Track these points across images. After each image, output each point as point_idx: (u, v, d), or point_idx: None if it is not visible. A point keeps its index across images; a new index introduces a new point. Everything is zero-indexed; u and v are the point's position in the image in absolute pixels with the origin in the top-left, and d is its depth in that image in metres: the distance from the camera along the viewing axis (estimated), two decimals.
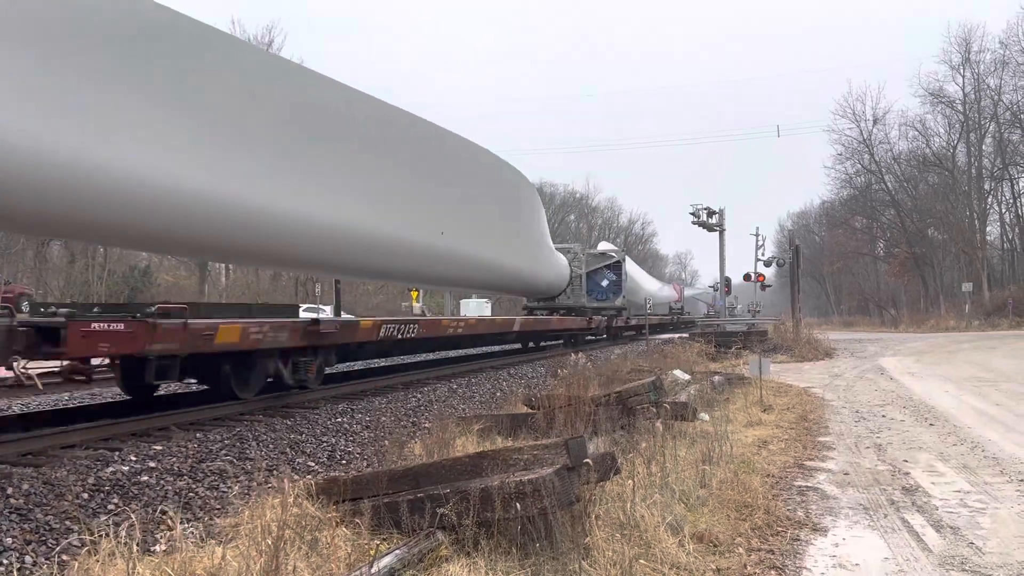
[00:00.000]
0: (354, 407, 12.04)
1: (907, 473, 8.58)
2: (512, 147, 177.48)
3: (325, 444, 9.91)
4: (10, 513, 6.07)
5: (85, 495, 6.73)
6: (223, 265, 56.15)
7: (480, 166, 19.52)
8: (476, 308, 50.17)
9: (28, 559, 5.53)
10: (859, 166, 72.55)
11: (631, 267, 42.00)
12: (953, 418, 12.57)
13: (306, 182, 12.06)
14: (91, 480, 7.02)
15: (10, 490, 6.45)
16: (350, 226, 13.32)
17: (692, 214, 41.74)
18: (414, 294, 45.54)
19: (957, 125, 66.56)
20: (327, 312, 35.40)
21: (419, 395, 14.01)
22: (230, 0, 65.10)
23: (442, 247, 16.43)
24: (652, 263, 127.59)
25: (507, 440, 9.64)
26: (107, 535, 5.28)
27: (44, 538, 5.85)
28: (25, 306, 10.91)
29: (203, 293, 48.22)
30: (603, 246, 41.83)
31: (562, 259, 29.51)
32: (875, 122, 68.97)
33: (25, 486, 6.59)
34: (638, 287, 46.95)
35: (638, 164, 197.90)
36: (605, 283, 32.48)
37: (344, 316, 25.91)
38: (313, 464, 9.11)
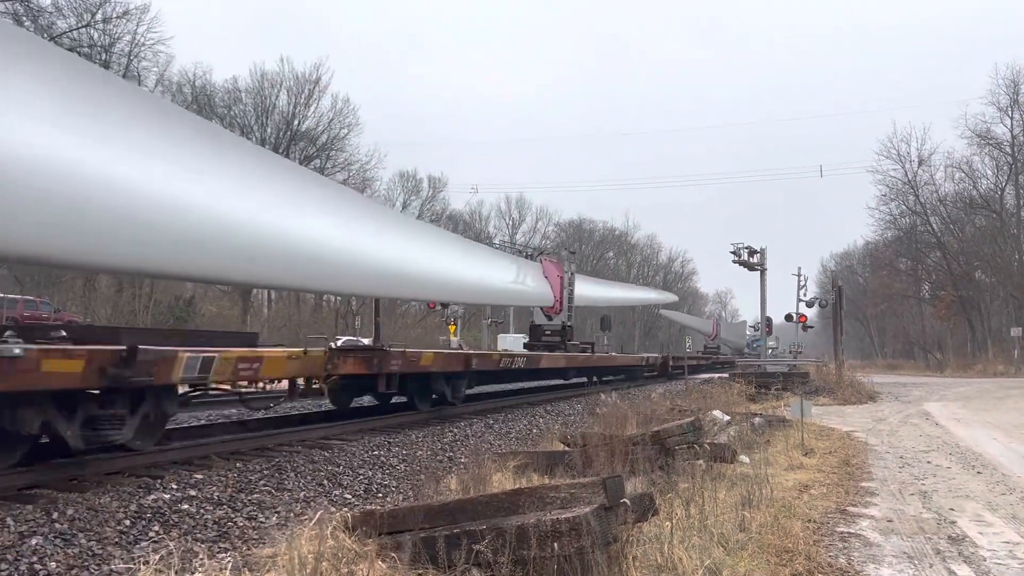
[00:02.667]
0: (391, 440, 12.08)
1: (953, 522, 8.37)
2: (552, 182, 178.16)
3: (362, 476, 9.94)
4: (55, 538, 6.18)
5: (127, 522, 6.83)
6: (265, 295, 56.97)
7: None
8: (513, 342, 50.12)
9: None
10: (904, 207, 71.72)
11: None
12: (1002, 466, 12.24)
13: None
14: (133, 507, 7.12)
15: (55, 515, 6.57)
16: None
17: (733, 253, 41.41)
18: (452, 328, 45.70)
19: (1005, 167, 65.57)
20: (366, 343, 35.73)
21: (455, 430, 14.02)
22: (280, 39, 66.64)
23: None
24: (692, 301, 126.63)
25: (543, 477, 9.59)
26: (147, 563, 5.36)
27: (87, 563, 5.94)
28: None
29: (245, 323, 48.86)
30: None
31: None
32: (920, 163, 68.27)
33: (70, 511, 6.70)
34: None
35: (678, 202, 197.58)
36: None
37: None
38: (349, 496, 9.14)
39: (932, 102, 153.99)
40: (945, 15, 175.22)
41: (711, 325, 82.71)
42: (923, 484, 10.69)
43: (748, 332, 74.81)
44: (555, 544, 5.28)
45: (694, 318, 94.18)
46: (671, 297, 67.17)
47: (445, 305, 46.54)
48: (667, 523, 6.19)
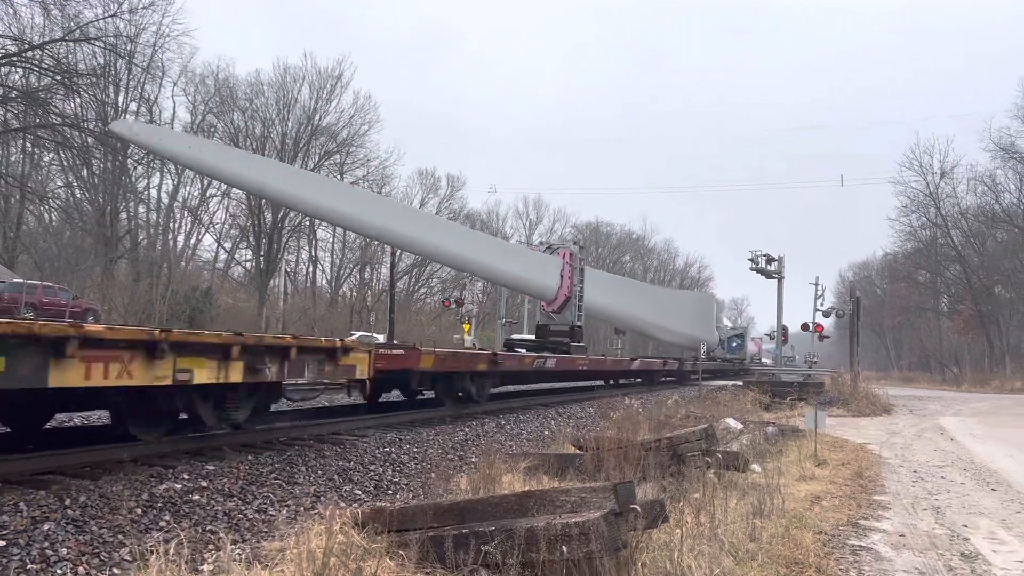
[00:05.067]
0: (403, 437, 12.10)
1: (966, 539, 8.28)
2: (571, 184, 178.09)
3: (372, 473, 9.96)
4: (67, 524, 6.22)
5: (139, 510, 6.87)
6: (282, 290, 57.25)
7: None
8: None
9: (81, 570, 5.64)
10: (924, 219, 71.13)
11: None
12: (1017, 483, 12.11)
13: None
14: (145, 496, 7.16)
15: (68, 501, 6.61)
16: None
17: (750, 260, 41.21)
18: (466, 327, 45.80)
19: None
20: (381, 340, 35.74)
21: (467, 429, 14.02)
22: (304, 34, 66.91)
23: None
24: (716, 311, 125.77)
25: (554, 480, 9.57)
26: (157, 552, 5.39)
27: (97, 550, 5.98)
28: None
29: (261, 316, 49.10)
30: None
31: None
32: (943, 175, 67.68)
33: (83, 498, 6.75)
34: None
35: (697, 207, 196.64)
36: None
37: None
38: (360, 492, 9.16)
39: (956, 114, 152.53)
40: (973, 27, 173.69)
41: (756, 347, 74.41)
42: (936, 499, 10.59)
43: (723, 326, 59.88)
44: (564, 548, 5.26)
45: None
46: (707, 298, 60.78)
47: (460, 304, 46.67)
48: (677, 530, 6.16)
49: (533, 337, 29.41)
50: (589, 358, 25.31)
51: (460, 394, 16.14)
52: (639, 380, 33.00)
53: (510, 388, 22.63)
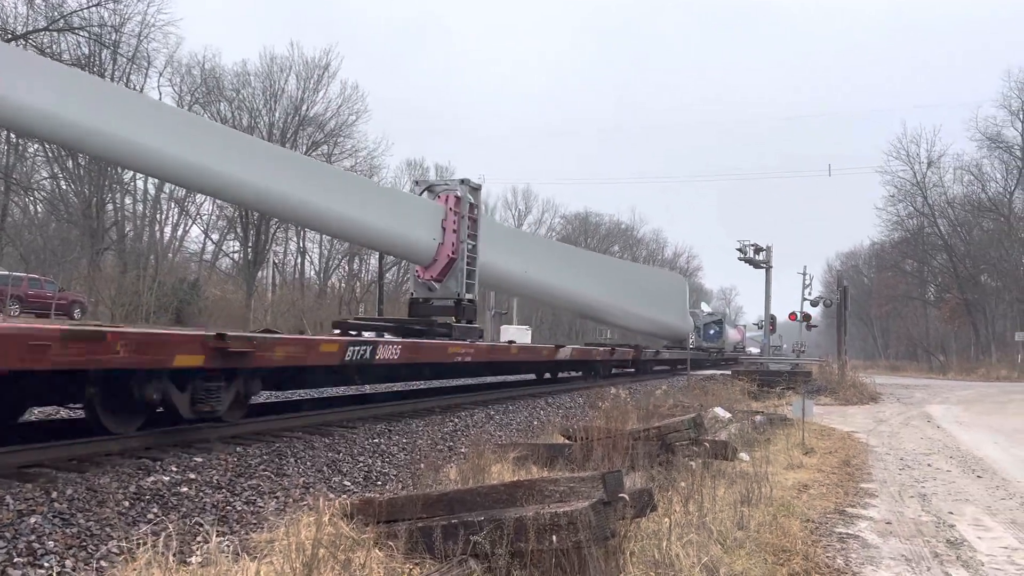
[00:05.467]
0: (392, 428, 12.09)
1: (952, 526, 8.35)
2: (560, 174, 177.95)
3: (361, 464, 9.94)
4: (54, 517, 6.18)
5: (126, 503, 6.84)
6: (269, 281, 57.06)
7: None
8: (516, 333, 49.98)
9: (68, 563, 5.62)
10: (911, 208, 71.43)
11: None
12: (1002, 471, 12.21)
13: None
14: (132, 488, 7.13)
15: (55, 494, 6.58)
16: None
17: (739, 250, 41.31)
18: None
19: (1015, 171, 65.30)
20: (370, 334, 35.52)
21: (456, 420, 14.02)
22: (291, 23, 66.50)
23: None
24: (697, 298, 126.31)
25: (543, 470, 9.59)
26: (145, 544, 5.37)
27: (84, 544, 5.95)
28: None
29: (249, 307, 48.93)
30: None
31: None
32: (929, 165, 67.96)
33: (69, 491, 6.71)
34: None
35: (685, 197, 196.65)
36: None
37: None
38: (349, 484, 9.15)
39: (943, 104, 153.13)
40: (960, 17, 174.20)
41: (740, 335, 70.44)
42: (923, 487, 10.67)
43: (701, 311, 53.36)
44: (553, 537, 5.27)
45: (732, 330, 72.14)
46: (678, 279, 45.83)
47: None
48: (665, 519, 6.19)
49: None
50: (476, 345, 16.98)
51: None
52: (578, 373, 26.31)
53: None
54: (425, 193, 19.69)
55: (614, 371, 29.29)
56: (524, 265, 24.34)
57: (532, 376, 24.39)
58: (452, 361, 15.61)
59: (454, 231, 18.72)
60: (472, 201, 19.22)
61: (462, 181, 19.44)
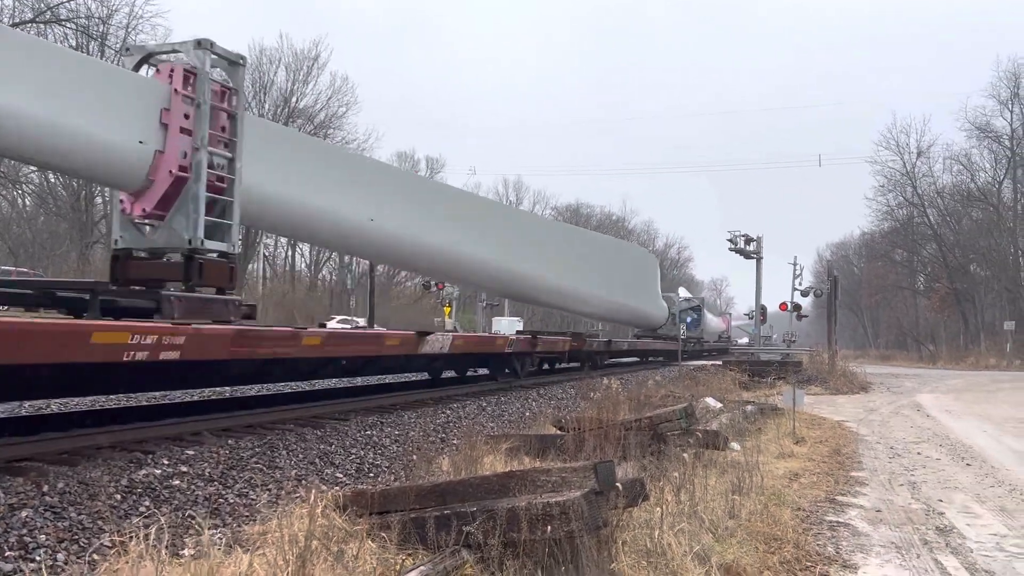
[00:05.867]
0: (384, 420, 12.09)
1: (942, 513, 8.41)
2: (551, 166, 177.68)
3: (354, 456, 9.94)
4: (45, 511, 6.17)
5: (118, 496, 6.82)
6: (260, 274, 56.88)
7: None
8: (508, 325, 50.03)
9: (60, 557, 5.61)
10: (901, 198, 71.81)
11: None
12: (991, 459, 12.30)
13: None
14: (124, 482, 7.12)
15: (46, 488, 6.56)
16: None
17: (729, 240, 41.39)
18: (447, 309, 45.67)
19: (1004, 160, 65.63)
20: (361, 323, 35.56)
21: (448, 411, 14.02)
22: (280, 15, 66.14)
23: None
24: (687, 288, 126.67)
25: (535, 461, 9.61)
26: (137, 537, 5.36)
27: (76, 537, 5.94)
28: None
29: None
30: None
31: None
32: (919, 155, 68.28)
33: (60, 484, 6.69)
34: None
35: (676, 188, 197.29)
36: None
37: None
38: (341, 476, 9.15)
39: (933, 93, 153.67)
40: (951, 8, 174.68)
41: (724, 324, 67.31)
42: (913, 475, 10.74)
43: (677, 296, 44.22)
44: (546, 527, 5.29)
45: (716, 318, 67.55)
46: (649, 257, 37.72)
47: (440, 287, 46.42)
48: (657, 509, 6.21)
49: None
50: (213, 329, 9.44)
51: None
52: (453, 374, 19.11)
53: None
54: (145, 70, 11.18)
55: (560, 366, 24.03)
56: (363, 207, 14.92)
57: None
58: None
59: (184, 130, 10.51)
60: (222, 82, 11.16)
61: (199, 43, 10.75)
